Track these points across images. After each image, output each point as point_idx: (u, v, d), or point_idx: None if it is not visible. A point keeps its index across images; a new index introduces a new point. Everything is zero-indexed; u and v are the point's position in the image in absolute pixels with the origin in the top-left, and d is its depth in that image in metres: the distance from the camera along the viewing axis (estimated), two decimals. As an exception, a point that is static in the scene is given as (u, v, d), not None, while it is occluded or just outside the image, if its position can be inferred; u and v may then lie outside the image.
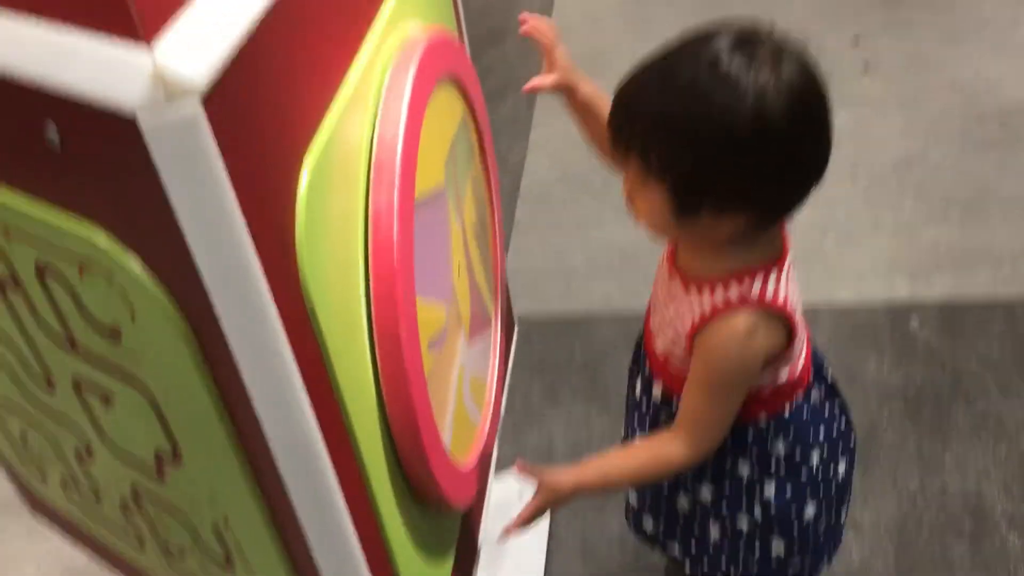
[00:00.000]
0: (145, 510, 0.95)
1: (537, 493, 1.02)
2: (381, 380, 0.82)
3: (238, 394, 0.68)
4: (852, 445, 1.14)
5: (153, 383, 0.75)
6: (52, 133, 0.61)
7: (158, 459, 0.84)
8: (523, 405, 1.82)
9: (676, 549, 1.20)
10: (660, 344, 1.05)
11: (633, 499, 1.21)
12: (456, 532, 1.08)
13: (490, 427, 1.15)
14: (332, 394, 0.73)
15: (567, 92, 1.08)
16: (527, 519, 1.02)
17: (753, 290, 0.92)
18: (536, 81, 1.07)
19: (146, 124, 0.54)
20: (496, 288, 1.26)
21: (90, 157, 0.61)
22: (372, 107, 0.83)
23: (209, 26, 0.57)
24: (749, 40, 0.85)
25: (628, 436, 1.20)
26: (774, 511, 1.08)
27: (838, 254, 2.04)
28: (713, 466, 1.08)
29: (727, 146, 0.85)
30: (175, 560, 0.99)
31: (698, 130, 0.85)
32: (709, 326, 0.94)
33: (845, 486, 1.14)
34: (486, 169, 1.21)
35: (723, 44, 0.85)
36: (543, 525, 1.59)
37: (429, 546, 0.97)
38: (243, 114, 0.60)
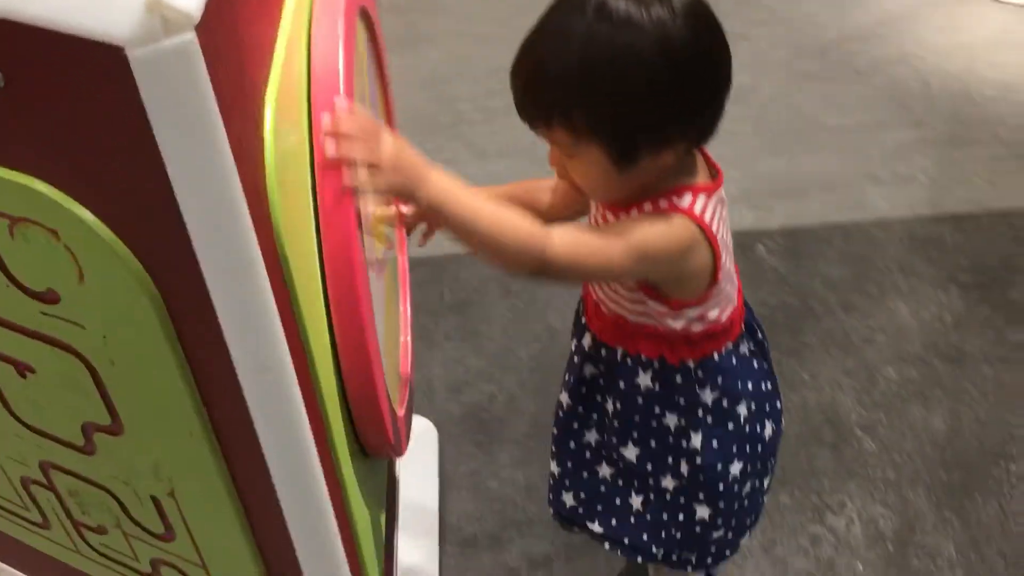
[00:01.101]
0: (56, 486, 0.87)
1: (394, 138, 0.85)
2: (336, 321, 0.78)
3: (209, 353, 0.63)
4: (779, 410, 1.13)
5: (94, 350, 0.68)
6: (-9, 69, 0.53)
7: (86, 432, 0.77)
8: (398, 350, 1.80)
9: (596, 526, 1.17)
10: (595, 287, 1.06)
11: (554, 468, 1.19)
12: (385, 480, 1.06)
13: (411, 371, 1.13)
14: (301, 345, 0.69)
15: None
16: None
17: (684, 201, 0.93)
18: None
19: (138, 57, 0.48)
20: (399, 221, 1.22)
21: (40, 98, 0.54)
22: (305, 41, 0.79)
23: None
24: None
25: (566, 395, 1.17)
26: (700, 462, 1.07)
27: (687, 187, 2.13)
28: (640, 424, 1.08)
29: (644, 84, 0.85)
30: (91, 536, 0.92)
31: (612, 78, 0.84)
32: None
33: (769, 451, 1.13)
34: (386, 101, 1.17)
35: None
36: (433, 468, 1.58)
37: (373, 496, 0.94)
38: (221, 48, 0.55)
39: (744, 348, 1.08)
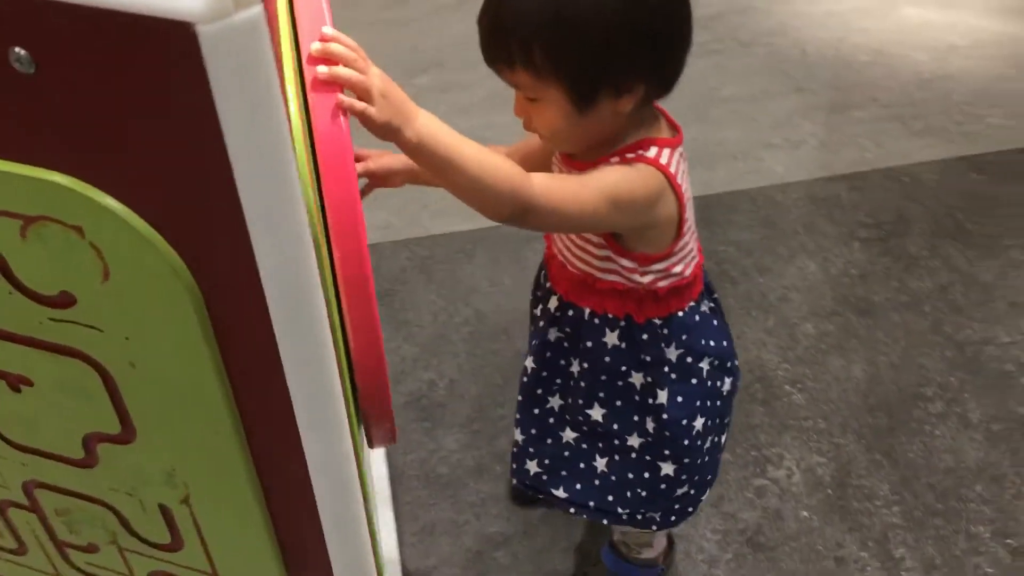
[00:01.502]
0: (41, 507, 0.82)
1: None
2: (347, 305, 0.76)
3: (251, 346, 0.61)
4: (736, 367, 1.16)
5: (112, 353, 0.64)
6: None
7: (88, 444, 0.72)
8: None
9: (561, 492, 1.18)
10: (560, 247, 1.06)
11: (518, 436, 1.19)
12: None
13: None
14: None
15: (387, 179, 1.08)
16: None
17: (650, 152, 0.96)
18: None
19: (208, 32, 0.46)
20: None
21: (75, 84, 0.50)
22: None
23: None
24: None
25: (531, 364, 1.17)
26: (667, 417, 1.09)
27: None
28: (606, 383, 1.10)
29: (603, 27, 0.88)
30: (77, 557, 0.87)
31: (572, 19, 0.87)
32: None
33: (727, 407, 1.17)
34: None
35: None
36: (381, 457, 1.56)
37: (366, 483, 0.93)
38: (269, 20, 0.52)
39: (704, 306, 1.12)
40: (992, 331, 1.81)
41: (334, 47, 0.76)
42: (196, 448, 0.69)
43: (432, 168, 0.85)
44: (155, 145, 0.52)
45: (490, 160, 0.86)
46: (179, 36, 0.46)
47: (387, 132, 0.80)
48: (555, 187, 0.91)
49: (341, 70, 0.76)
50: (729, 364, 1.15)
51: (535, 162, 1.09)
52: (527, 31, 0.89)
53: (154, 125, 0.50)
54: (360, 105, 0.77)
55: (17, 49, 0.49)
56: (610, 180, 0.93)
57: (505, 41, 0.90)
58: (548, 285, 1.12)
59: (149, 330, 0.61)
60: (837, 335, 1.80)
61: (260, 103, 0.49)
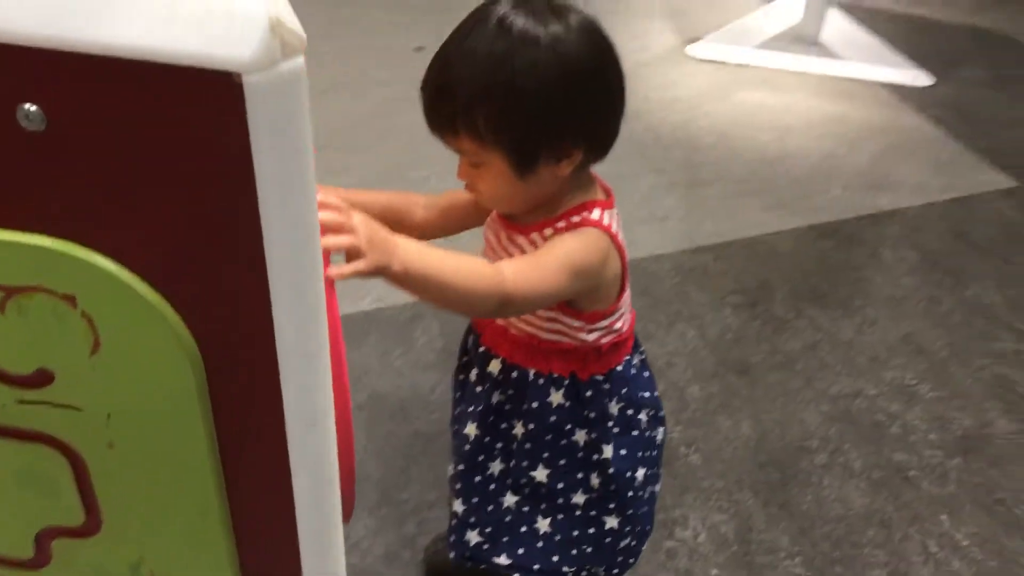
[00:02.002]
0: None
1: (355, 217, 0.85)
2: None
3: (254, 418, 0.58)
4: (663, 417, 1.19)
5: (87, 435, 0.59)
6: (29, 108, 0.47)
7: (41, 540, 0.66)
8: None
9: (503, 559, 1.17)
10: None
11: (458, 506, 1.17)
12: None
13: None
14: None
15: None
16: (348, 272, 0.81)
17: (594, 215, 0.99)
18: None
19: (254, 83, 0.45)
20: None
21: (88, 142, 0.48)
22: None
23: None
24: (524, 1, 0.93)
25: (458, 430, 1.16)
26: (612, 471, 1.11)
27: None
28: (550, 443, 1.10)
29: (544, 93, 0.92)
30: None
31: (514, 88, 0.91)
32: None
33: (661, 456, 1.20)
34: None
35: (504, 9, 0.92)
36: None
37: None
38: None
39: (636, 359, 1.16)
40: (859, 384, 1.93)
41: (320, 216, 0.74)
42: (174, 535, 0.65)
43: (418, 290, 0.85)
44: (174, 204, 0.49)
45: (467, 266, 0.88)
46: (221, 87, 0.45)
47: (376, 273, 0.80)
48: (524, 275, 0.92)
49: (330, 240, 0.74)
50: (660, 414, 1.19)
51: (459, 215, 1.11)
52: (470, 99, 0.91)
53: (179, 182, 0.48)
54: (350, 268, 0.76)
55: (27, 106, 0.47)
56: (568, 253, 0.96)
57: (449, 109, 0.92)
58: (483, 349, 1.13)
59: (138, 406, 0.57)
60: (722, 396, 1.88)
61: (298, 156, 0.48)
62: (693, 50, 3.07)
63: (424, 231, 1.12)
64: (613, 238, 0.99)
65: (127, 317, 0.53)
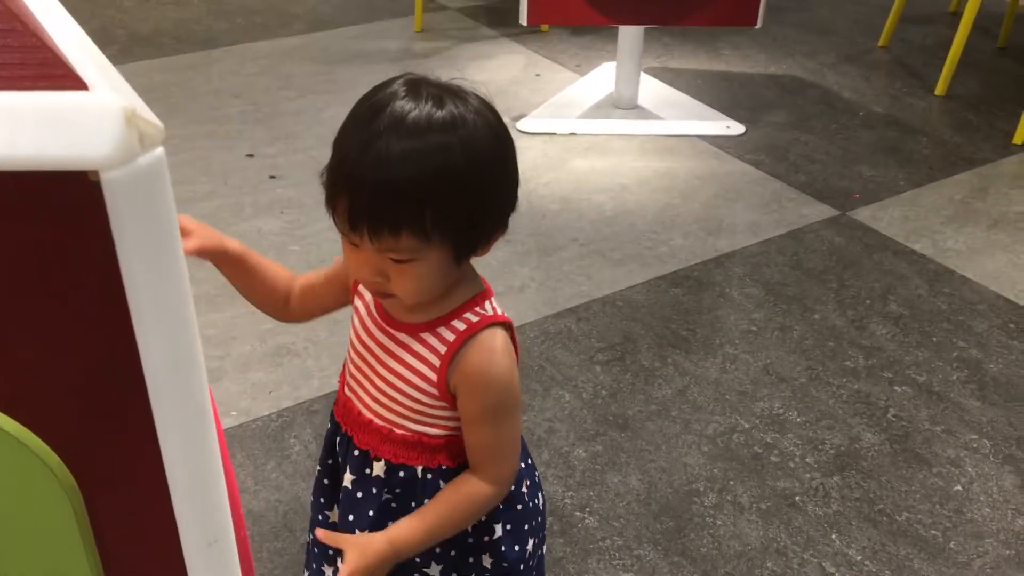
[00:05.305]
0: None
1: (347, 559, 0.93)
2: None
3: (139, 546, 0.53)
4: (540, 480, 1.19)
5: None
6: None
7: None
8: None
9: None
10: (383, 413, 1.03)
11: None
12: None
13: None
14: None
15: (216, 255, 1.02)
16: None
17: (486, 309, 0.98)
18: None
19: (113, 179, 0.42)
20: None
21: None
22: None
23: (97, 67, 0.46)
24: (416, 89, 0.91)
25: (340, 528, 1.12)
26: (503, 549, 1.10)
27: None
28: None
29: (488, 177, 0.91)
30: None
31: (462, 179, 0.88)
32: (463, 356, 0.96)
33: (544, 519, 1.19)
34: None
35: (408, 96, 0.89)
36: None
37: None
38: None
39: None
40: (732, 420, 1.98)
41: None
42: None
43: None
44: (38, 326, 0.45)
45: (455, 508, 1.00)
46: (76, 188, 0.41)
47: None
48: (495, 460, 1.01)
49: None
50: (537, 478, 1.18)
51: (316, 300, 1.11)
52: (419, 197, 0.87)
53: (40, 301, 0.44)
54: None
55: None
56: (505, 399, 0.99)
57: (393, 211, 0.87)
58: (358, 453, 1.08)
59: (13, 552, 0.51)
60: (607, 453, 1.88)
61: (168, 255, 0.45)
62: (523, 125, 3.16)
63: (292, 315, 1.12)
64: (510, 324, 1.01)
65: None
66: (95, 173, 0.41)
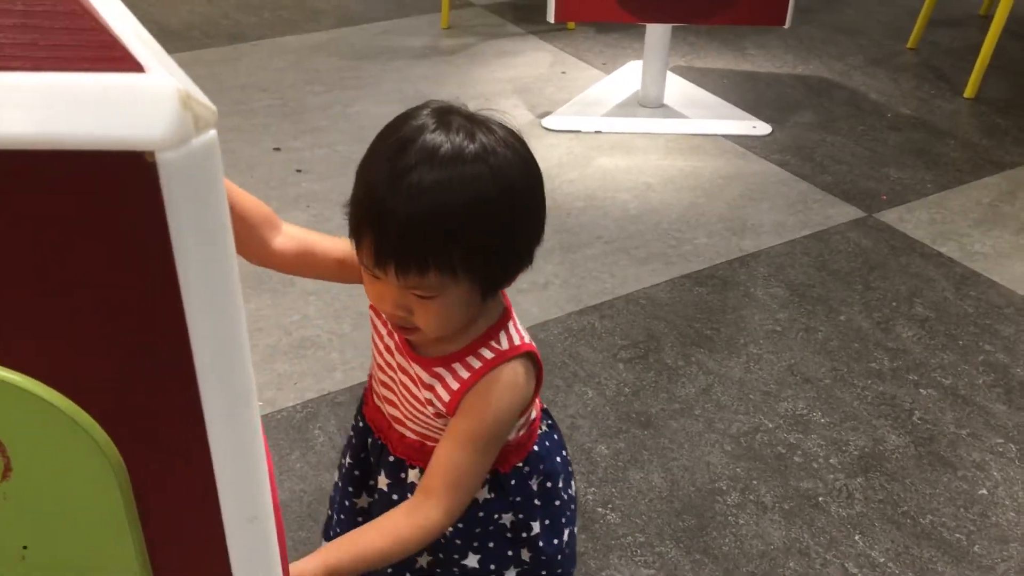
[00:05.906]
0: None
1: None
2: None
3: (178, 525, 0.54)
4: (572, 469, 1.20)
5: None
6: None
7: None
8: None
9: None
10: (415, 428, 1.04)
11: None
12: None
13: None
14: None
15: None
16: None
17: (502, 343, 0.97)
18: None
19: (168, 160, 0.43)
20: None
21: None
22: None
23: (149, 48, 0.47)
24: (446, 120, 0.89)
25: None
26: (542, 544, 1.11)
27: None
28: (479, 533, 1.09)
29: (519, 212, 0.90)
30: None
31: (492, 215, 0.87)
32: (476, 386, 0.96)
33: (576, 508, 1.20)
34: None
35: (438, 128, 0.87)
36: None
37: None
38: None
39: (544, 425, 1.15)
40: (756, 420, 1.97)
41: None
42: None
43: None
44: (90, 304, 0.46)
45: (396, 541, 0.93)
46: (132, 169, 0.42)
47: None
48: (456, 487, 0.95)
49: None
50: (571, 468, 1.19)
51: (314, 267, 1.05)
52: (448, 235, 0.85)
53: (92, 280, 0.45)
54: None
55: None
56: (497, 432, 0.96)
57: (419, 248, 0.85)
58: (393, 459, 1.09)
59: (58, 533, 0.52)
60: (629, 451, 1.88)
61: (218, 235, 0.46)
62: (549, 122, 3.16)
63: (274, 260, 1.03)
64: (529, 349, 0.99)
65: (42, 435, 0.49)
66: (151, 154, 0.42)
